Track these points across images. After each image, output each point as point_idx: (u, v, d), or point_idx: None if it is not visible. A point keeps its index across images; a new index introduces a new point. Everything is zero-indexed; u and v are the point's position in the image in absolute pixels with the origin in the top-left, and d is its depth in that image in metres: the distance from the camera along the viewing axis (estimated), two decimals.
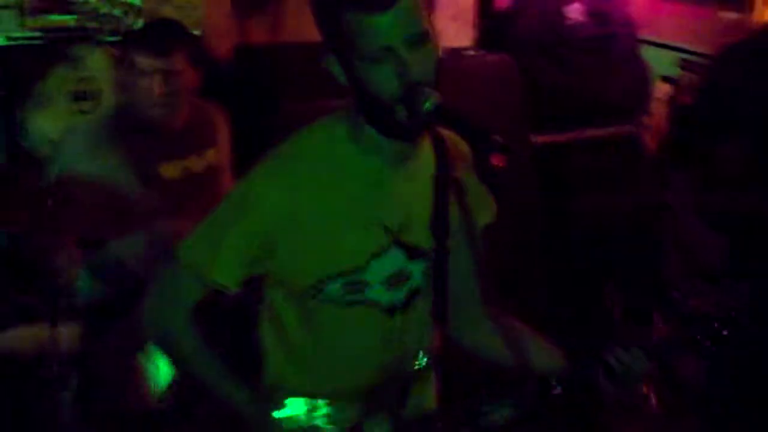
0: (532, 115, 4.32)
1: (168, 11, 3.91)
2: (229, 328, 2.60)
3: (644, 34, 4.58)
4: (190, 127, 3.06)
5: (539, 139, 4.37)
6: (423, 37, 1.65)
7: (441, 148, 1.81)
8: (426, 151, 1.82)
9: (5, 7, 3.67)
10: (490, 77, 4.28)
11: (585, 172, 4.33)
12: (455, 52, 4.47)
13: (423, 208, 1.82)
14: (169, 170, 3.02)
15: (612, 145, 4.44)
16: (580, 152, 4.37)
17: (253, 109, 3.84)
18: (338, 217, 1.76)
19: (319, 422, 1.84)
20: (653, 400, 3.19)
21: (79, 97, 3.74)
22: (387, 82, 1.64)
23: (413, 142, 1.78)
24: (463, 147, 1.84)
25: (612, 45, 4.47)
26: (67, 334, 2.97)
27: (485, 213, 1.95)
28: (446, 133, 1.78)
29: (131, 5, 3.82)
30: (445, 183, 1.79)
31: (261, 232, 1.74)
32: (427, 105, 1.61)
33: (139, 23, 3.85)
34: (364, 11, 1.61)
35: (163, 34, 2.95)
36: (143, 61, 2.88)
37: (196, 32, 3.88)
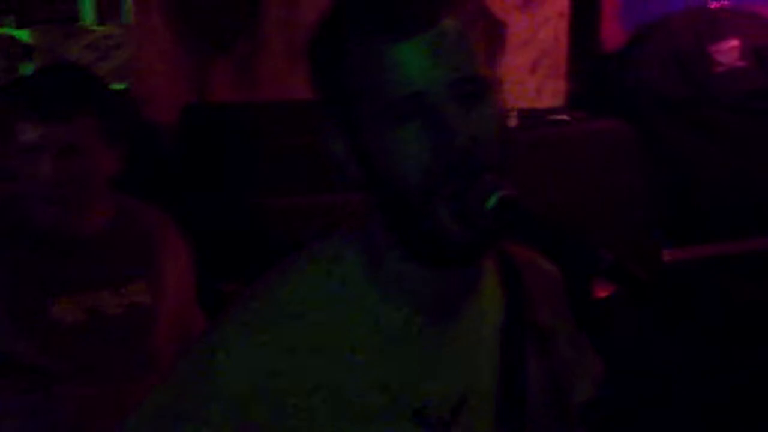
0: (662, 215, 4.32)
1: (75, 52, 3.97)
2: None
3: None
4: (107, 240, 3.00)
5: (674, 255, 4.34)
6: (479, 87, 1.60)
7: (513, 277, 1.79)
8: (488, 284, 1.78)
9: None
10: (593, 155, 4.32)
11: (752, 309, 4.27)
12: (537, 117, 4.48)
13: (486, 380, 1.78)
14: (67, 310, 2.94)
15: None
16: (742, 276, 4.34)
17: (209, 204, 3.86)
18: (351, 408, 1.72)
19: None
20: None
21: None
22: (417, 152, 1.59)
23: (465, 267, 1.73)
24: (551, 272, 1.84)
25: None
26: None
27: (585, 382, 1.93)
28: (522, 251, 1.77)
29: (15, 41, 3.94)
30: (520, 336, 1.78)
31: None
32: (492, 201, 1.54)
33: (28, 69, 3.92)
34: (381, 37, 1.58)
35: (60, 89, 2.94)
36: (27, 129, 2.86)
37: (118, 85, 3.99)
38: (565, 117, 4.57)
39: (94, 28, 4.03)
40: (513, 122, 4.38)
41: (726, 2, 4.73)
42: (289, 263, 1.78)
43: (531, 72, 4.80)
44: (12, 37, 3.90)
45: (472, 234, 1.59)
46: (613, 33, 4.80)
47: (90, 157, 2.90)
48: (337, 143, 1.68)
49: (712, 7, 4.72)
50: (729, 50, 4.56)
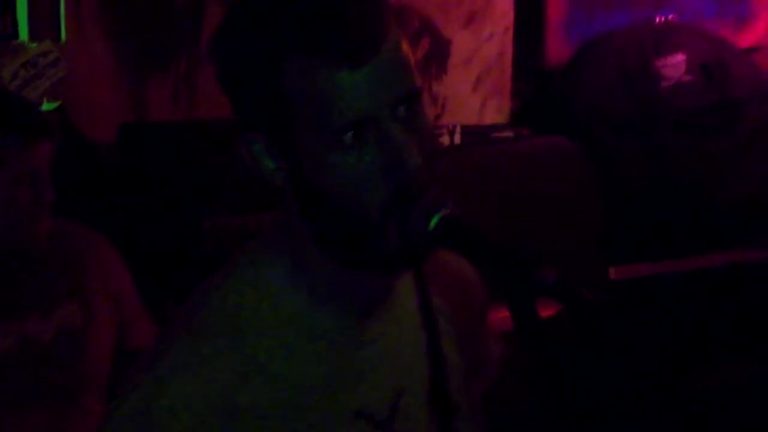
0: (608, 232, 4.37)
1: (7, 72, 3.93)
2: None
3: None
4: (33, 264, 3.06)
5: (621, 272, 4.35)
6: (415, 101, 1.65)
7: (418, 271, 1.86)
8: (403, 278, 1.83)
9: None
10: (538, 172, 4.30)
11: (700, 326, 4.32)
12: (481, 134, 4.52)
13: (417, 372, 1.85)
14: None
15: (740, 281, 4.46)
16: (690, 293, 4.37)
17: (147, 224, 3.87)
18: (292, 419, 1.74)
19: None
20: None
21: None
22: (368, 176, 1.62)
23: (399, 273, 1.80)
24: (454, 261, 1.91)
25: (737, 120, 4.61)
26: None
27: (489, 366, 2.02)
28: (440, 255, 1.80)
29: None
30: (432, 321, 1.84)
31: None
32: (434, 220, 1.58)
33: None
34: (329, 62, 1.58)
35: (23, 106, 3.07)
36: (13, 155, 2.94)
37: (51, 104, 3.98)
38: (509, 134, 4.56)
39: (30, 45, 3.94)
40: (457, 139, 4.40)
41: (672, 16, 4.75)
42: (212, 281, 1.78)
43: (474, 88, 4.74)
44: None
45: (414, 250, 1.63)
46: (557, 49, 4.81)
47: (18, 181, 2.96)
48: (265, 157, 1.69)
49: (658, 21, 4.71)
50: (675, 65, 4.58)
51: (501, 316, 2.01)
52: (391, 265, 1.71)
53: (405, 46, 1.64)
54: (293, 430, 1.74)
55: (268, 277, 1.75)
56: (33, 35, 3.96)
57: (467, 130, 4.47)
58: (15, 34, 3.94)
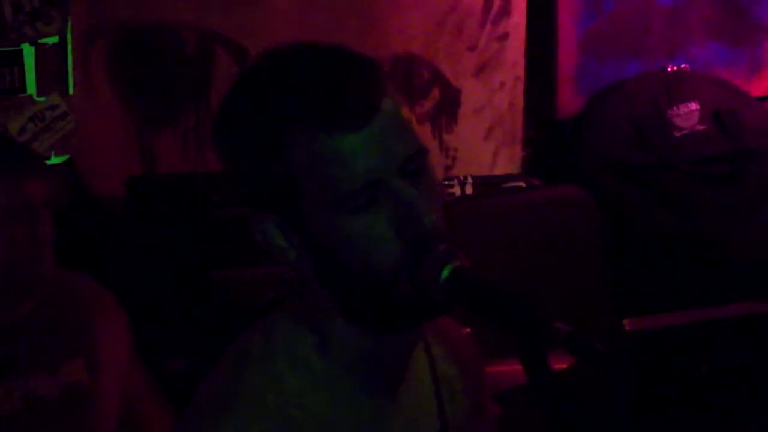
0: (622, 283, 4.35)
1: (15, 126, 3.97)
2: None
3: None
4: (38, 320, 3.02)
5: (635, 324, 4.22)
6: (421, 159, 1.66)
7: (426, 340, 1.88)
8: (418, 346, 1.85)
9: None
10: (550, 222, 4.30)
11: (717, 377, 4.26)
12: (493, 184, 4.55)
13: None
14: (1, 400, 2.95)
15: (756, 332, 4.38)
16: (706, 344, 4.31)
17: (155, 278, 3.84)
18: None
19: None
20: None
21: None
22: (383, 238, 1.62)
23: (412, 331, 1.79)
24: (452, 325, 1.95)
25: (751, 169, 4.62)
26: None
27: (485, 426, 2.02)
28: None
29: None
30: (440, 392, 1.87)
31: None
32: (445, 272, 1.58)
33: None
34: (329, 130, 1.60)
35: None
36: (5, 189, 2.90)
37: (59, 158, 4.02)
38: (521, 184, 4.56)
39: (38, 98, 3.97)
40: (468, 189, 4.39)
41: (684, 65, 4.75)
42: (235, 349, 1.77)
43: (486, 138, 4.75)
44: None
45: (428, 303, 1.63)
46: (569, 98, 4.81)
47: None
48: (276, 233, 1.68)
49: (670, 70, 4.71)
50: (688, 114, 4.58)
51: (508, 370, 2.00)
52: (409, 318, 1.70)
53: (404, 110, 1.65)
54: None
55: (298, 348, 1.73)
56: (41, 88, 3.98)
57: (479, 181, 4.48)
58: (23, 87, 3.96)
